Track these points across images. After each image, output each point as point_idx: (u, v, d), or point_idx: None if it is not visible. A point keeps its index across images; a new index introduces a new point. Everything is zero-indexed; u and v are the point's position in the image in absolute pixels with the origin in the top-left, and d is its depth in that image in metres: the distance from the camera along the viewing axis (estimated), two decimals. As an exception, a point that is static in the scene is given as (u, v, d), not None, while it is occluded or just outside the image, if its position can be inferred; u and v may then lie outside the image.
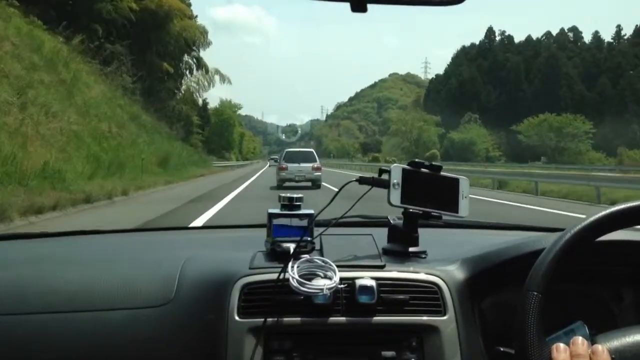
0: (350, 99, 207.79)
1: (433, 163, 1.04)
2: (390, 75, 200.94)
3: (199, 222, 7.78)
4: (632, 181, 13.85)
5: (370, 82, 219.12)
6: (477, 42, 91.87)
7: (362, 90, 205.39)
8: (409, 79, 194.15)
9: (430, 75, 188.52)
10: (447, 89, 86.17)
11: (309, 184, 17.30)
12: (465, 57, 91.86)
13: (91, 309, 0.96)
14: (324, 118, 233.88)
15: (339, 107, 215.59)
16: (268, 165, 50.23)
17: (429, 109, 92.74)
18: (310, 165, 17.95)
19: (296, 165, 17.95)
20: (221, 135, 58.33)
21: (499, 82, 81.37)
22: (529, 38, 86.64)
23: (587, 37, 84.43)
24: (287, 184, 17.26)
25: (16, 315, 0.96)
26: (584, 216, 0.77)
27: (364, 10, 0.76)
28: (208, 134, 55.93)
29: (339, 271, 0.92)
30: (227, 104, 61.01)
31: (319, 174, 17.73)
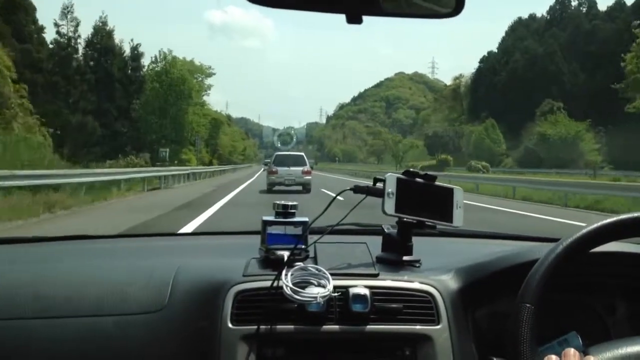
0: (354, 99, 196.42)
1: (427, 173, 1.10)
2: (396, 74, 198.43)
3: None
4: None
5: (374, 82, 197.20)
6: (541, 14, 64.28)
7: (366, 90, 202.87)
8: (417, 79, 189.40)
9: (438, 76, 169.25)
10: (511, 69, 57.44)
11: (299, 187, 19.01)
12: (526, 29, 63.44)
13: (83, 315, 1.01)
14: (322, 120, 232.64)
15: (341, 107, 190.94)
16: (262, 169, 41.34)
17: (480, 97, 63.06)
18: (300, 169, 19.52)
19: (286, 168, 19.38)
20: (164, 114, 28.40)
21: (587, 59, 52.18)
22: (620, 2, 58.48)
23: None
24: (277, 187, 18.89)
25: (7, 320, 1.00)
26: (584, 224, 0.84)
27: (359, 22, 0.79)
28: (139, 112, 25.93)
29: (333, 279, 0.98)
30: (182, 62, 31.40)
31: (309, 177, 19.59)
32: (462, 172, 36.74)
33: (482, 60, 75.30)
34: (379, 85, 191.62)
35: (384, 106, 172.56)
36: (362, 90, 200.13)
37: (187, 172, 26.66)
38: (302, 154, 21.94)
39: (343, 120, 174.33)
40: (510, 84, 62.93)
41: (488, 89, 66.87)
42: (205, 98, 45.34)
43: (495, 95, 63.58)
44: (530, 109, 54.83)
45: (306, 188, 18.86)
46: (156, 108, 32.84)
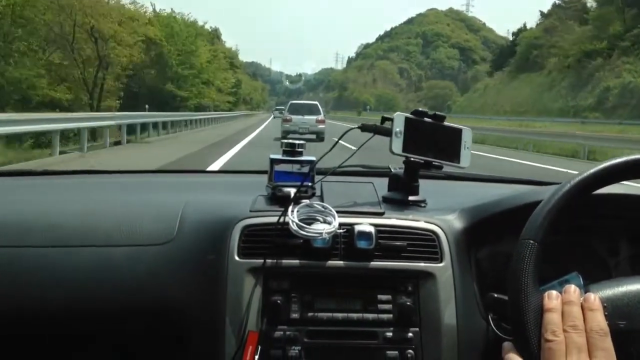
0: (381, 38, 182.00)
1: (437, 113, 1.10)
2: (428, 10, 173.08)
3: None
4: None
5: (403, 19, 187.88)
6: None
7: (394, 28, 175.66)
8: (453, 15, 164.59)
9: (474, 14, 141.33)
10: None
11: (313, 136, 19.39)
12: None
13: (93, 244, 1.03)
14: (338, 66, 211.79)
15: (366, 46, 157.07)
16: (272, 117, 39.24)
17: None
18: (314, 117, 20.22)
19: (300, 117, 20.18)
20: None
21: None
22: None
23: None
24: (291, 135, 18.86)
25: (19, 248, 1.02)
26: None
27: None
28: None
29: (339, 217, 0.99)
30: None
31: (323, 126, 20.21)
32: None
33: None
34: (410, 22, 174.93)
35: (421, 44, 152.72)
36: (388, 28, 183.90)
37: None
38: (316, 102, 22.56)
39: (372, 60, 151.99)
40: None
41: None
42: None
43: None
44: None
45: (320, 137, 19.23)
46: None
